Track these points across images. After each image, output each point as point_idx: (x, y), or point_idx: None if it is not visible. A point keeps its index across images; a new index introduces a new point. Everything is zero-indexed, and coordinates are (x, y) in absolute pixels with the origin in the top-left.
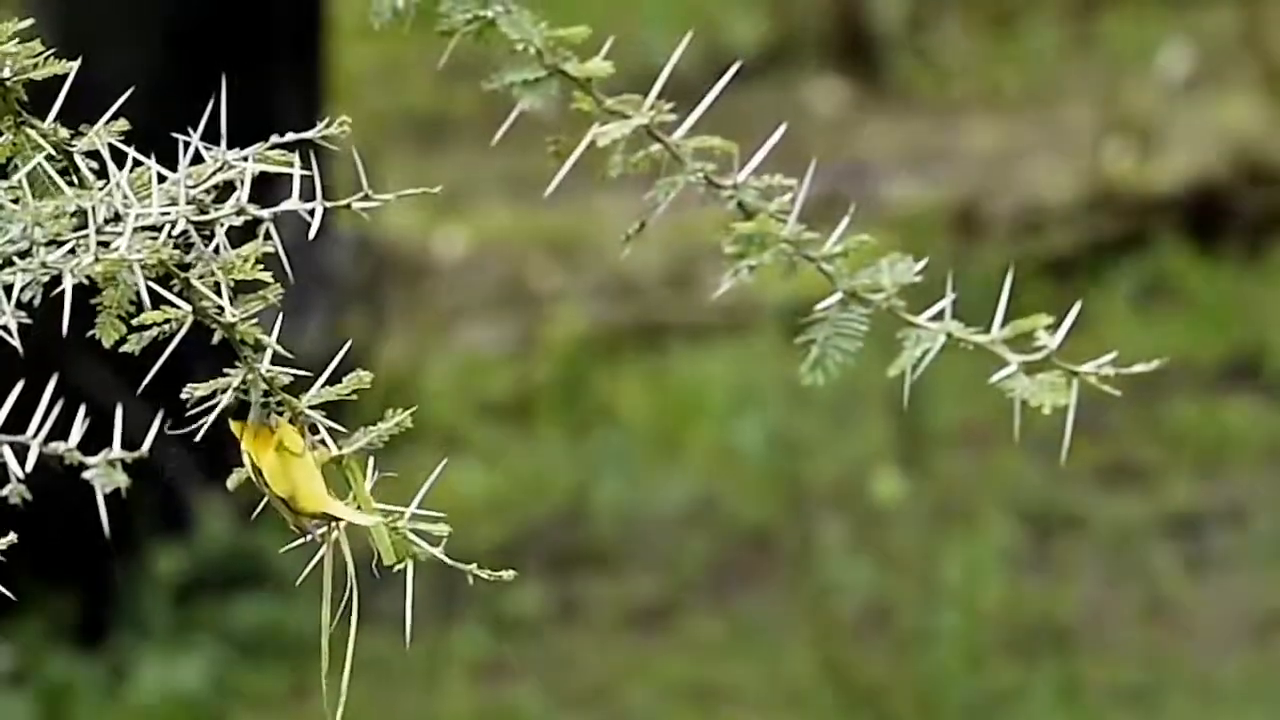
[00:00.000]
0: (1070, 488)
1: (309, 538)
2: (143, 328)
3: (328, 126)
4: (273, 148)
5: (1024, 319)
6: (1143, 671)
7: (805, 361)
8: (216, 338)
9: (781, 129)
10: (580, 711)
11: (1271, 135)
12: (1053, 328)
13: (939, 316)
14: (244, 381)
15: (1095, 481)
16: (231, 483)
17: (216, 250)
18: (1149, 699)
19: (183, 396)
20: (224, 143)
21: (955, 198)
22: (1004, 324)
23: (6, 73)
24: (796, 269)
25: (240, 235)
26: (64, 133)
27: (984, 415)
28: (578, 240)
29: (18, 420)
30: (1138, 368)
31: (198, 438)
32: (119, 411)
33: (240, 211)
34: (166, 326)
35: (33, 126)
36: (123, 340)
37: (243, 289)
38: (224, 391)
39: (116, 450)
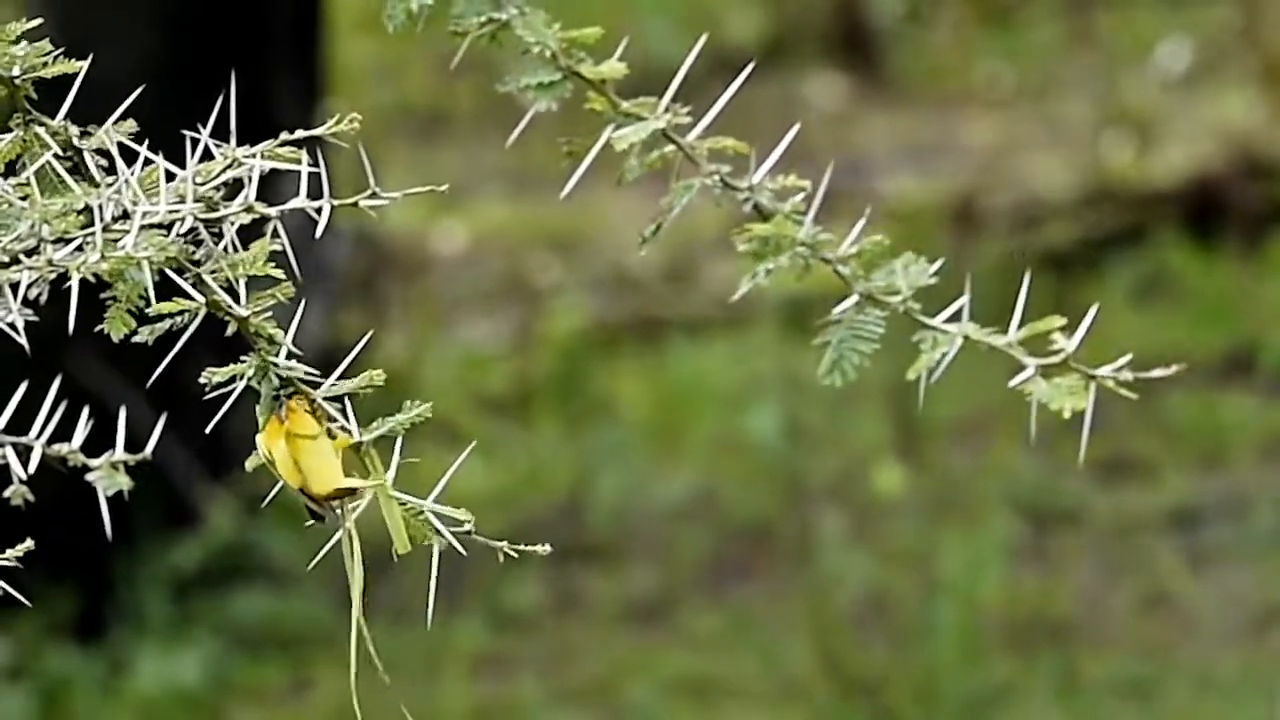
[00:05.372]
0: (1069, 481)
1: (324, 521)
2: (155, 319)
3: (338, 123)
4: (282, 145)
5: (1038, 321)
6: (1141, 665)
7: (822, 363)
8: (230, 330)
9: (794, 130)
10: (579, 705)
11: (1270, 129)
12: (1067, 330)
13: (954, 318)
14: (257, 372)
15: (1094, 475)
16: (250, 464)
17: (225, 248)
18: (1147, 692)
19: (200, 381)
20: (234, 140)
21: (954, 192)
22: (1012, 325)
23: (16, 71)
24: (811, 270)
25: (245, 231)
26: (73, 130)
27: (983, 409)
28: (577, 235)
29: (21, 420)
30: (1156, 373)
31: (190, 432)
32: (122, 413)
33: (249, 209)
34: (180, 319)
35: (41, 124)
36: (133, 333)
37: (252, 283)
38: (240, 379)
39: (119, 452)
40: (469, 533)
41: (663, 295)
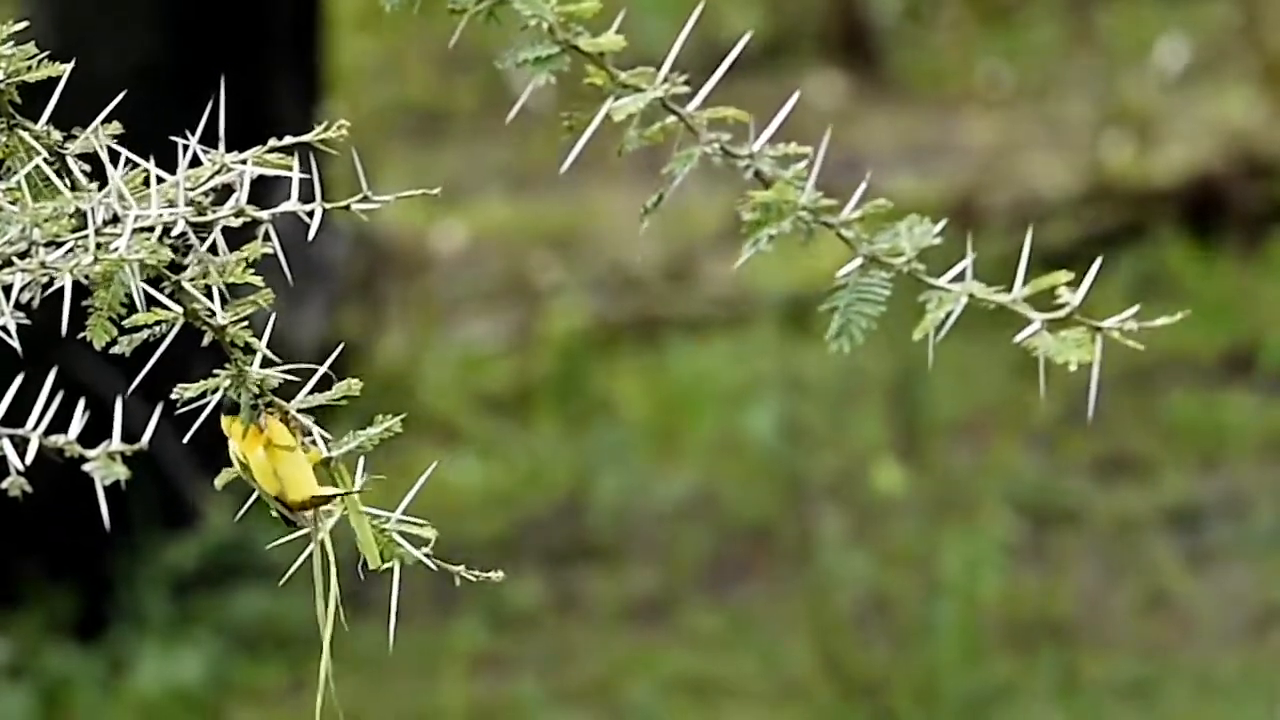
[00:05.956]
0: (1068, 480)
1: (302, 530)
2: (134, 329)
3: (326, 129)
4: (271, 151)
5: (1044, 277)
6: (1141, 664)
7: (830, 328)
8: (207, 340)
9: (793, 99)
10: (579, 705)
11: (1269, 128)
12: (1074, 284)
13: (957, 282)
14: (233, 383)
15: (1093, 474)
16: (219, 482)
17: (214, 251)
18: (1147, 692)
19: (173, 397)
20: (222, 145)
21: (953, 191)
22: (1017, 282)
23: (0, 75)
24: (814, 236)
25: (238, 234)
26: (56, 135)
27: (983, 409)
28: (576, 233)
29: (17, 412)
30: (1160, 321)
31: (192, 432)
32: (118, 404)
33: (240, 213)
34: (158, 328)
35: (26, 129)
36: (114, 342)
37: (236, 290)
38: (214, 392)
39: (116, 443)
40: (430, 554)
41: (662, 295)
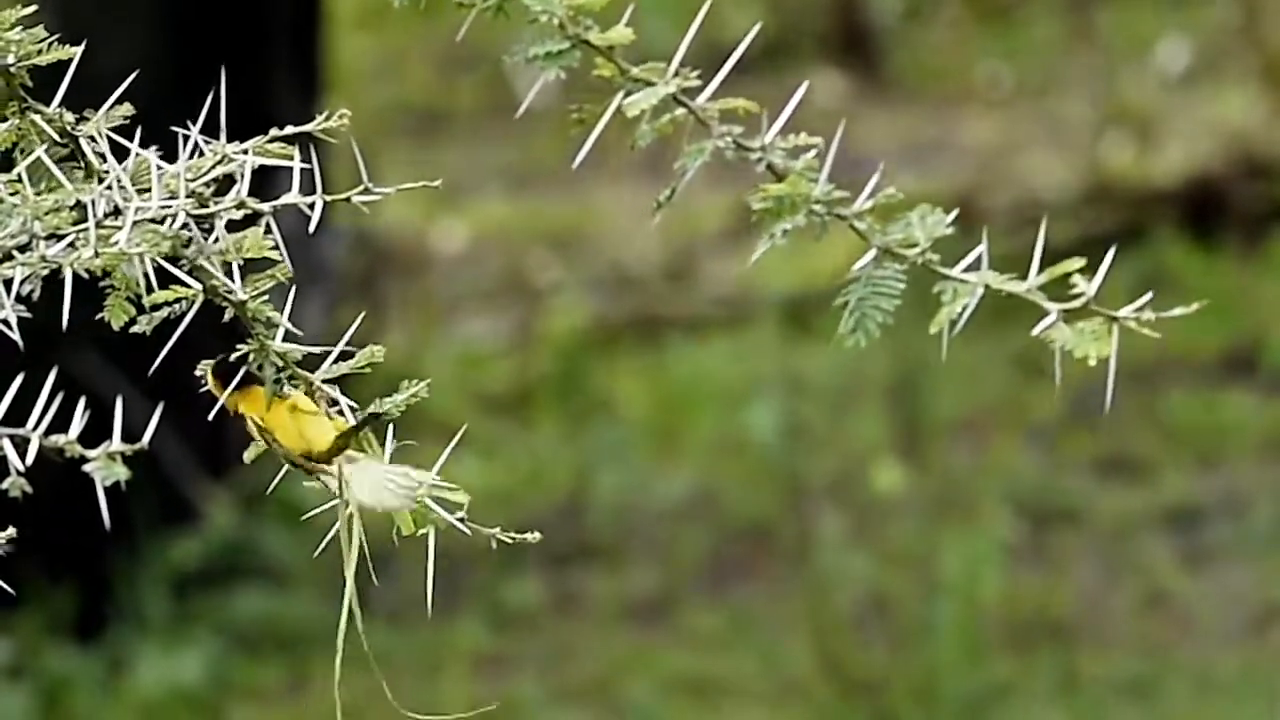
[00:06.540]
0: (1068, 480)
1: (326, 486)
2: (154, 308)
3: (328, 119)
4: (272, 140)
5: (1058, 264)
6: (1141, 663)
7: (843, 324)
8: (227, 315)
9: (800, 90)
10: (579, 704)
11: (1269, 128)
12: (1087, 271)
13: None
14: (255, 356)
15: (1093, 473)
16: (248, 455)
17: (216, 243)
18: (1147, 691)
19: (196, 373)
20: (223, 135)
21: (953, 190)
22: (1032, 271)
23: (10, 59)
24: (828, 230)
25: (239, 229)
26: (69, 117)
27: (983, 409)
28: (576, 233)
29: (17, 412)
30: (1177, 310)
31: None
32: (119, 404)
33: (240, 205)
34: (177, 306)
35: (38, 111)
36: (131, 322)
37: (248, 269)
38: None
39: (116, 443)
40: (463, 519)
41: (662, 294)
